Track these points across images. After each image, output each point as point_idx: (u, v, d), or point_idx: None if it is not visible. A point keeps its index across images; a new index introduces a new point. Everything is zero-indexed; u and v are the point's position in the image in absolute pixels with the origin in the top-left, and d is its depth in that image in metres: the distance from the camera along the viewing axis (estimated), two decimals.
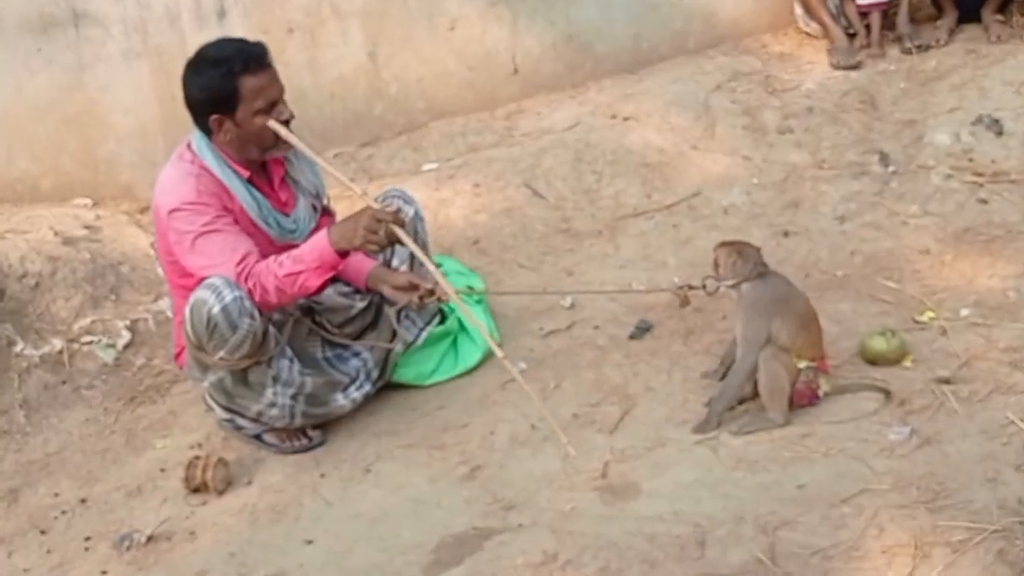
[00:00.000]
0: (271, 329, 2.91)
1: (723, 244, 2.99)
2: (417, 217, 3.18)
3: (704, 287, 2.96)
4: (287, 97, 2.91)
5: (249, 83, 2.80)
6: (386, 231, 2.75)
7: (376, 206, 2.87)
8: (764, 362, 2.81)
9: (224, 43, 2.92)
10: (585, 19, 4.79)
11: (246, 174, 2.90)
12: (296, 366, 2.98)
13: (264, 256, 2.84)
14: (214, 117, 2.82)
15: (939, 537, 2.38)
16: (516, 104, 4.70)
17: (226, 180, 2.86)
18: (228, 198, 2.87)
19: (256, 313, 2.79)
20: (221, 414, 3.01)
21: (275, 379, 2.92)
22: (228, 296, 2.74)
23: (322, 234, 2.82)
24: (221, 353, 2.81)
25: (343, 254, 2.80)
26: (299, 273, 2.78)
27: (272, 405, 2.93)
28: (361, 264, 3.11)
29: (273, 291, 2.79)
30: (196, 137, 2.90)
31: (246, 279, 2.78)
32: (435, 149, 4.45)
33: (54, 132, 4.12)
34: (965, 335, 3.15)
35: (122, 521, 2.84)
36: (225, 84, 2.79)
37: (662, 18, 4.93)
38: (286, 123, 2.87)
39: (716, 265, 2.95)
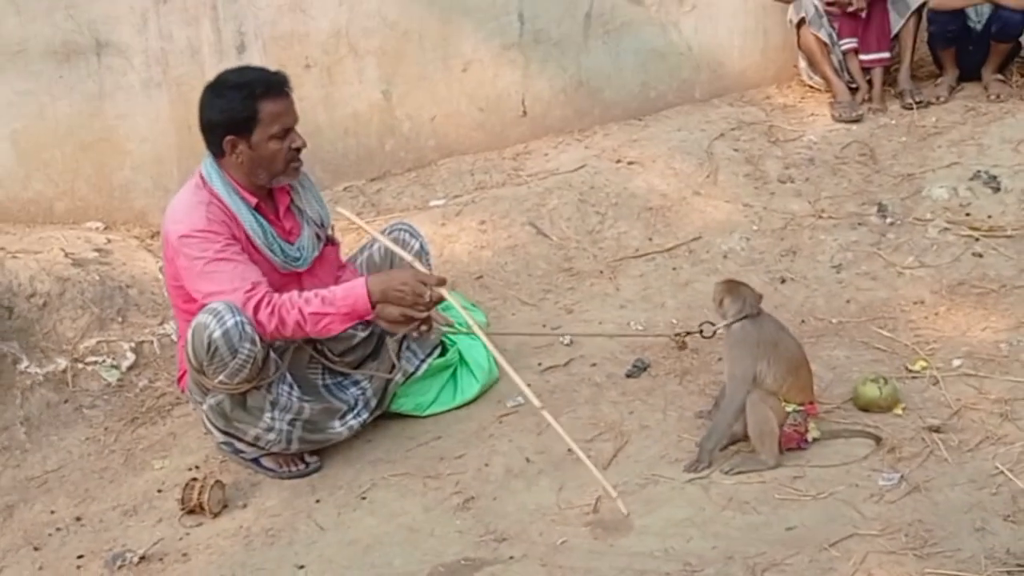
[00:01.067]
0: (271, 355, 2.95)
1: (723, 282, 3.05)
2: (423, 251, 3.24)
3: (701, 332, 3.01)
4: (302, 131, 2.97)
5: (268, 108, 2.86)
6: (432, 296, 2.82)
7: (423, 269, 2.92)
8: (751, 406, 2.84)
9: (245, 69, 3.00)
10: (595, 66, 4.90)
11: (253, 201, 2.96)
12: (296, 392, 3.02)
13: (271, 285, 2.89)
14: (229, 139, 2.88)
15: None
16: (524, 145, 4.79)
17: (234, 207, 2.92)
18: (235, 226, 2.92)
19: (257, 339, 2.82)
20: (219, 437, 3.04)
21: (273, 404, 2.95)
22: (229, 321, 2.78)
23: (359, 282, 2.85)
24: (221, 377, 2.85)
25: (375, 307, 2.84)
26: (326, 315, 2.82)
27: (270, 429, 2.97)
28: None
29: (292, 325, 2.82)
30: (206, 164, 2.96)
31: (256, 307, 2.82)
32: (443, 186, 4.53)
33: (71, 157, 4.21)
34: (957, 385, 3.19)
35: (116, 540, 2.86)
36: (244, 107, 2.85)
37: (670, 67, 5.04)
38: (298, 151, 2.93)
39: (718, 302, 3.00)
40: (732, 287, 2.99)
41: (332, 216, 3.23)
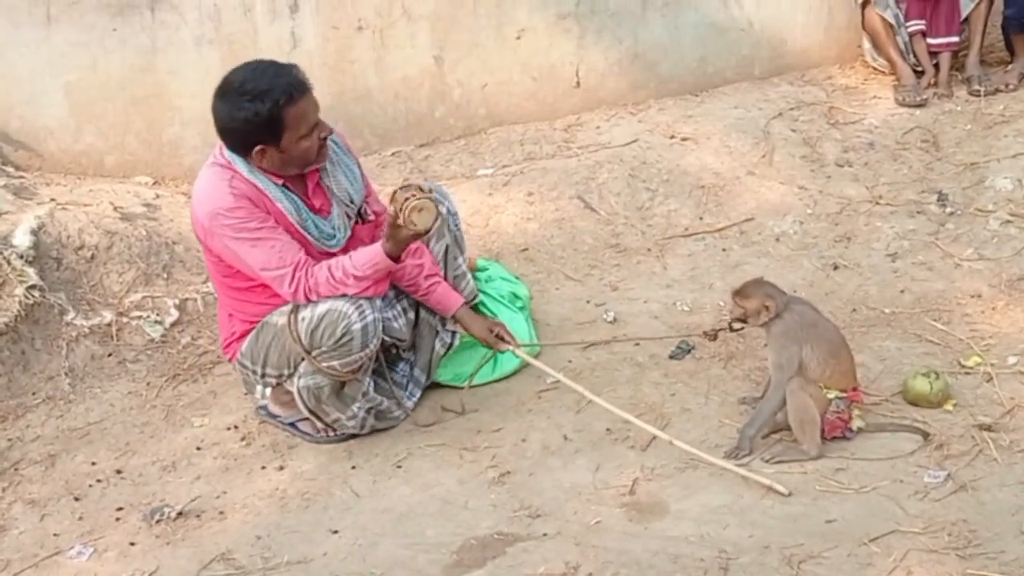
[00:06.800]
0: None
1: (741, 293, 2.91)
2: (449, 213, 3.21)
3: (731, 328, 2.94)
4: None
5: (292, 113, 2.74)
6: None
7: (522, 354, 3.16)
8: (791, 394, 2.78)
9: (258, 72, 2.77)
10: (652, 39, 4.80)
11: (280, 180, 2.87)
12: (370, 381, 3.02)
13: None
14: (257, 148, 2.77)
15: None
16: (576, 117, 4.72)
17: (262, 185, 2.84)
18: (267, 201, 2.84)
19: (381, 336, 2.89)
20: (300, 411, 3.01)
21: (364, 394, 2.98)
22: (369, 316, 2.83)
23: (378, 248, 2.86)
24: (334, 363, 2.86)
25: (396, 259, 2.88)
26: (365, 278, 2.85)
27: (353, 417, 3.00)
28: (448, 298, 3.18)
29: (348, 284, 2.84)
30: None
31: (304, 291, 2.83)
32: (492, 155, 4.48)
33: (122, 111, 4.23)
34: (1011, 383, 3.09)
35: (155, 495, 2.89)
36: (270, 117, 2.72)
37: (729, 43, 4.93)
38: (326, 139, 2.86)
39: (744, 313, 2.88)
40: (761, 293, 2.86)
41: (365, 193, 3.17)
